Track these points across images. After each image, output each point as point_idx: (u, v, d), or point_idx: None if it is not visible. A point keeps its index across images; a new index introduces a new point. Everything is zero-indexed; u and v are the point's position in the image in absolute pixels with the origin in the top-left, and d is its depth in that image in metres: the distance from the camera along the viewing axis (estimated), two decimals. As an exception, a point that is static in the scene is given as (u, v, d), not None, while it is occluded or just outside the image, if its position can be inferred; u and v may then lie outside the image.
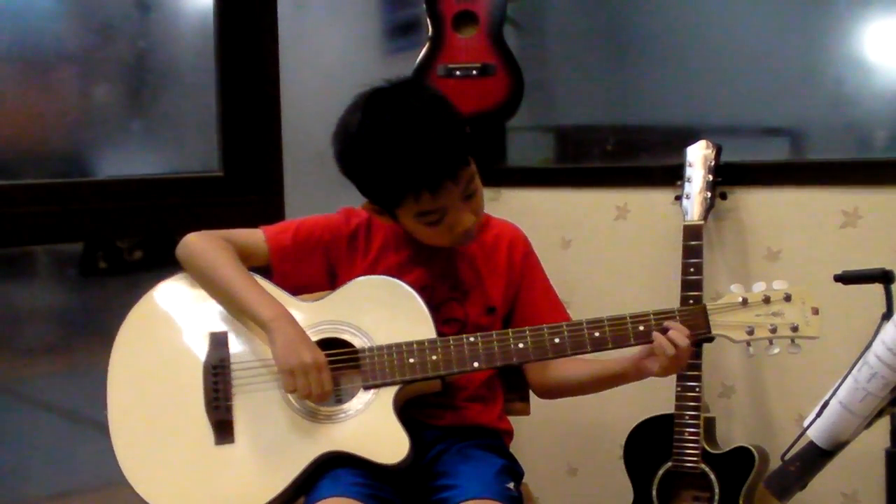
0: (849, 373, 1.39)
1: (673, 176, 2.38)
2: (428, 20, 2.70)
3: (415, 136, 1.62)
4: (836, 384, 1.40)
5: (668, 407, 2.28)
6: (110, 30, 2.54)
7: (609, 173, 2.70)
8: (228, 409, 1.69)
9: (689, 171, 2.34)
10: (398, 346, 1.68)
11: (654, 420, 2.33)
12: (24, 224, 2.31)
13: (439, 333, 1.70)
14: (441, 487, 1.69)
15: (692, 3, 2.65)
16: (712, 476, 2.24)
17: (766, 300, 1.63)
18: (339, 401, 1.70)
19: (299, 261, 1.80)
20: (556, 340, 1.67)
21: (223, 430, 1.69)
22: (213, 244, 1.76)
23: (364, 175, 1.69)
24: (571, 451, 2.75)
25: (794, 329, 1.62)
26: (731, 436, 2.43)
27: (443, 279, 1.80)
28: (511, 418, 1.90)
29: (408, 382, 1.68)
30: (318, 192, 2.32)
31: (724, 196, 2.38)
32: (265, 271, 1.80)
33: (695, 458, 2.25)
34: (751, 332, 1.63)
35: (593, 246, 2.66)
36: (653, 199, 2.53)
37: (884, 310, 1.44)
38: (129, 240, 2.59)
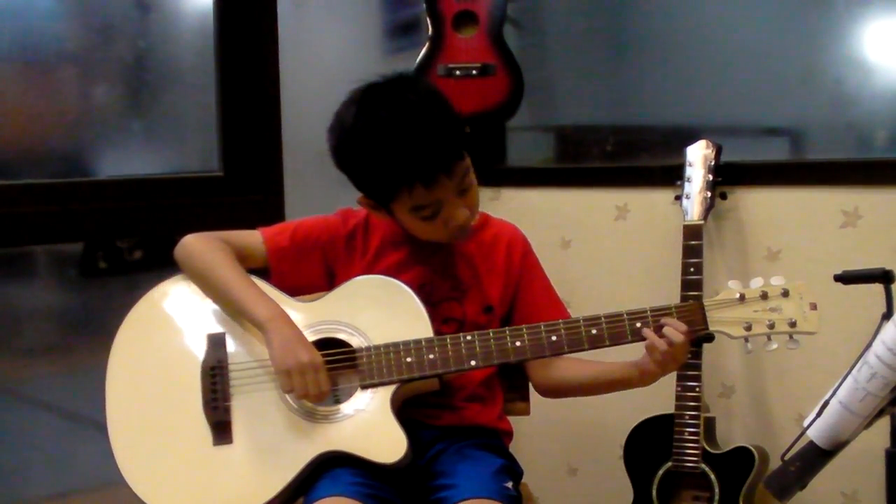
0: (849, 373, 1.39)
1: (673, 176, 2.38)
2: (428, 20, 2.70)
3: (409, 130, 1.62)
4: (836, 384, 1.40)
5: (668, 407, 2.28)
6: (110, 30, 2.54)
7: (609, 173, 2.70)
8: (226, 410, 1.70)
9: (689, 171, 2.34)
10: (395, 345, 1.68)
11: (654, 420, 2.33)
12: (24, 224, 2.32)
13: (438, 332, 1.70)
14: (439, 487, 1.69)
15: (692, 3, 2.65)
16: (712, 476, 2.23)
17: (764, 296, 1.63)
18: (337, 401, 1.70)
19: (297, 262, 1.80)
20: (554, 338, 1.67)
21: (221, 430, 1.69)
22: (211, 245, 1.76)
23: (359, 169, 1.69)
24: (571, 451, 2.75)
25: (792, 324, 1.61)
26: (731, 436, 2.43)
27: (441, 277, 1.80)
28: (511, 418, 1.90)
29: (405, 381, 1.68)
30: (318, 192, 2.32)
31: (724, 196, 2.38)
32: (263, 273, 1.80)
33: (695, 458, 2.25)
34: (748, 328, 1.63)
35: (593, 246, 2.66)
36: (653, 199, 2.53)
37: (884, 310, 1.44)
38: (129, 240, 2.60)
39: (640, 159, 2.73)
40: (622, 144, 2.75)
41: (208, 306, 1.77)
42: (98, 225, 2.43)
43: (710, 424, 2.31)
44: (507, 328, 1.70)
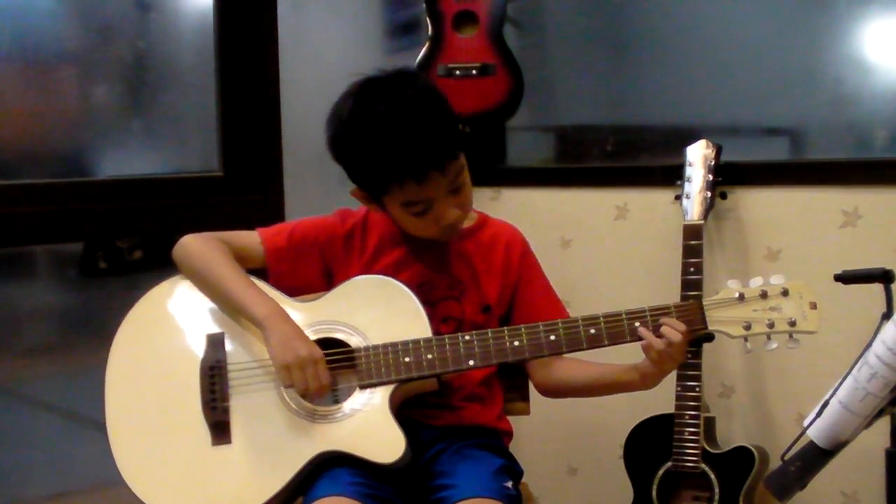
0: (849, 372, 1.39)
1: (673, 176, 2.38)
2: (428, 20, 2.70)
3: (403, 125, 1.62)
4: (836, 384, 1.40)
5: (668, 407, 2.28)
6: (110, 30, 2.54)
7: (609, 173, 2.70)
8: (225, 410, 1.69)
9: (689, 171, 2.34)
10: (394, 345, 1.68)
11: (654, 420, 2.33)
12: (24, 224, 2.32)
13: (437, 331, 1.70)
14: (439, 487, 1.69)
15: (692, 3, 2.65)
16: (712, 476, 2.23)
17: (764, 295, 1.62)
18: (336, 400, 1.70)
19: (295, 262, 1.80)
20: (552, 338, 1.66)
21: (220, 430, 1.68)
22: (209, 245, 1.76)
23: (353, 160, 1.70)
24: (571, 451, 2.75)
25: (792, 324, 1.61)
26: (731, 436, 2.43)
27: (440, 276, 1.80)
28: (511, 418, 1.90)
29: (403, 381, 1.67)
30: (318, 192, 2.33)
31: (724, 196, 2.38)
32: (262, 273, 1.80)
33: (695, 458, 2.25)
34: (748, 328, 1.62)
35: (593, 246, 2.66)
36: (653, 199, 2.53)
37: (884, 310, 1.43)
38: (129, 240, 2.60)
39: (640, 159, 2.73)
40: (622, 144, 2.75)
41: (208, 306, 1.77)
42: (98, 225, 2.43)
43: (710, 424, 2.31)
44: (505, 328, 1.70)
